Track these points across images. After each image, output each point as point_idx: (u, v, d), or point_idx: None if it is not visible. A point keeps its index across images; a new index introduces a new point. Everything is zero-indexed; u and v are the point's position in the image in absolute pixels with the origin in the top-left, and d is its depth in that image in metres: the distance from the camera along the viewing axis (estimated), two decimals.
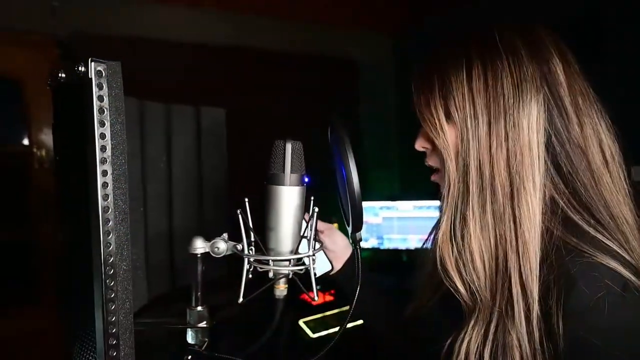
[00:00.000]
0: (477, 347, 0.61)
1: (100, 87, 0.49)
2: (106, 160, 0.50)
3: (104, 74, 0.49)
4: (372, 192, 2.48)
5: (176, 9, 2.06)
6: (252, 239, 0.72)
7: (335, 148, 0.70)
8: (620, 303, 0.53)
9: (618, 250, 0.56)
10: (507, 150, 0.60)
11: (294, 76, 2.28)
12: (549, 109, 0.61)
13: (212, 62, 2.08)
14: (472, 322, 0.63)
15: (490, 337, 0.61)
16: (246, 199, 0.74)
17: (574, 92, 0.62)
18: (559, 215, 0.61)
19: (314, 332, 1.51)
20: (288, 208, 0.67)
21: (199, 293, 0.76)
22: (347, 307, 1.62)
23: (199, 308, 0.75)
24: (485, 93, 0.61)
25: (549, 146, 0.61)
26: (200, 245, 0.73)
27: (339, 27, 2.54)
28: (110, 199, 0.50)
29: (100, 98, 0.49)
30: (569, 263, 0.56)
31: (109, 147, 0.50)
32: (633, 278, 0.54)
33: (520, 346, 0.58)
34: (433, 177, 0.73)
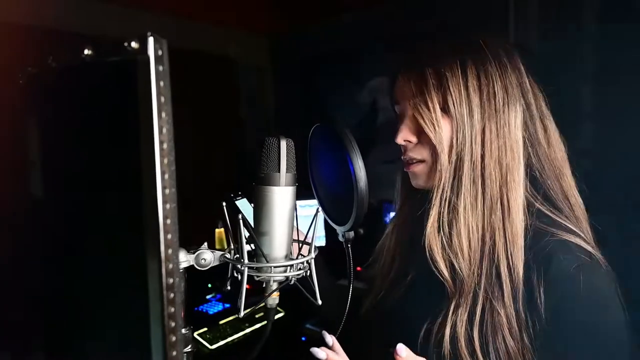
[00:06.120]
0: (465, 330, 0.66)
1: (157, 71, 0.39)
2: (164, 159, 0.40)
3: (160, 53, 0.39)
4: None
5: None
6: (233, 245, 0.67)
7: (332, 145, 0.69)
8: (591, 270, 0.63)
9: (577, 231, 0.67)
10: (499, 146, 0.67)
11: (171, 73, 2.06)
12: (523, 113, 0.70)
13: None
14: (453, 306, 0.68)
15: (477, 319, 0.66)
16: (224, 203, 0.69)
17: (538, 99, 0.72)
18: (534, 205, 0.69)
19: (211, 344, 1.41)
20: (283, 210, 0.65)
21: (183, 313, 0.67)
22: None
23: (183, 330, 0.66)
24: (479, 92, 0.67)
25: (524, 145, 0.69)
26: (183, 259, 0.65)
27: (216, 25, 2.41)
28: (169, 206, 0.40)
29: (159, 83, 0.39)
30: (543, 243, 0.65)
31: (166, 144, 0.40)
32: (592, 250, 0.65)
33: (509, 324, 0.64)
34: (412, 169, 0.75)
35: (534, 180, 0.71)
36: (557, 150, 0.72)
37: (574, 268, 0.62)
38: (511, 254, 0.65)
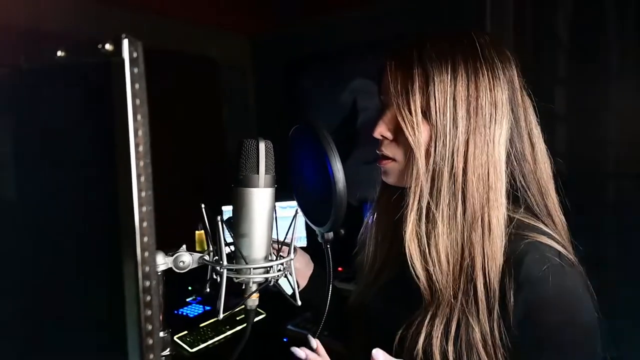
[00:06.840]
0: (440, 343, 0.64)
1: (133, 73, 0.39)
2: (140, 162, 0.40)
3: (135, 55, 0.39)
4: None
5: None
6: (212, 247, 0.67)
7: (311, 147, 0.69)
8: (560, 272, 0.61)
9: (549, 231, 0.66)
10: (481, 162, 0.64)
11: (152, 72, 2.03)
12: (511, 129, 0.66)
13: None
14: (429, 316, 0.66)
15: (452, 333, 0.64)
16: (203, 205, 0.69)
17: (528, 114, 0.69)
18: (513, 219, 0.66)
19: (192, 347, 1.40)
20: (262, 212, 0.65)
21: (161, 316, 0.66)
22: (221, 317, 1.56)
23: (162, 333, 0.65)
24: (466, 104, 0.63)
25: (508, 162, 0.66)
26: (161, 261, 0.64)
27: (199, 25, 2.38)
28: (145, 209, 0.40)
29: (134, 86, 0.39)
30: (514, 246, 0.64)
31: (142, 146, 0.40)
32: (563, 250, 0.64)
33: (484, 341, 0.62)
34: (384, 164, 0.73)
35: (515, 198, 0.68)
36: (544, 168, 0.69)
37: (543, 270, 0.61)
38: (488, 272, 0.63)
